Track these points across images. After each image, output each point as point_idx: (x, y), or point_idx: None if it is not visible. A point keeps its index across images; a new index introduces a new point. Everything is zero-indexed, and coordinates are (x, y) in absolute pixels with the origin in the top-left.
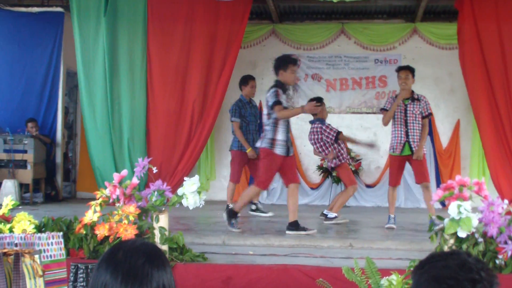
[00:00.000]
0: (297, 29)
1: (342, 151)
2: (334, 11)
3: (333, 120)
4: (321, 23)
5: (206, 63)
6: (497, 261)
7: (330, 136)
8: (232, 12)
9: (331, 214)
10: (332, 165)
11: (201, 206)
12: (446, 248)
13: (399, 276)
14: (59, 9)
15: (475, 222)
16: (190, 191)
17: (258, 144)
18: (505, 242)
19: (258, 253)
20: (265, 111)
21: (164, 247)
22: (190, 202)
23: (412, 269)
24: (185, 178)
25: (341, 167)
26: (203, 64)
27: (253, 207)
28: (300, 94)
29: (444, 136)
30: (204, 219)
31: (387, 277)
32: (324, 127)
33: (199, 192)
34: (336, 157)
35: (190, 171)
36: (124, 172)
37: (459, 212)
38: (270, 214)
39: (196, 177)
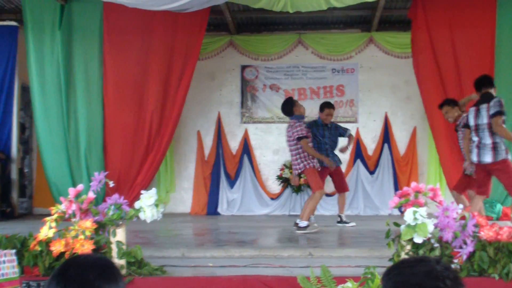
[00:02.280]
0: (255, 40)
1: (304, 158)
2: (291, 22)
3: None
4: (278, 34)
5: (164, 75)
6: (453, 265)
7: (296, 134)
8: (190, 23)
9: (302, 223)
10: (298, 171)
11: (159, 219)
12: (403, 254)
13: (354, 283)
14: (13, 22)
15: (430, 228)
16: (148, 204)
17: (490, 159)
18: (460, 247)
19: (218, 265)
20: (486, 119)
21: (122, 262)
22: (147, 215)
23: (367, 275)
24: (142, 191)
25: (307, 172)
26: (161, 76)
27: (338, 219)
28: (258, 105)
29: (401, 143)
30: (164, 232)
31: (342, 284)
32: (297, 123)
33: (156, 205)
34: (300, 162)
35: (150, 183)
36: (80, 186)
37: (415, 218)
38: (352, 223)
39: (154, 190)
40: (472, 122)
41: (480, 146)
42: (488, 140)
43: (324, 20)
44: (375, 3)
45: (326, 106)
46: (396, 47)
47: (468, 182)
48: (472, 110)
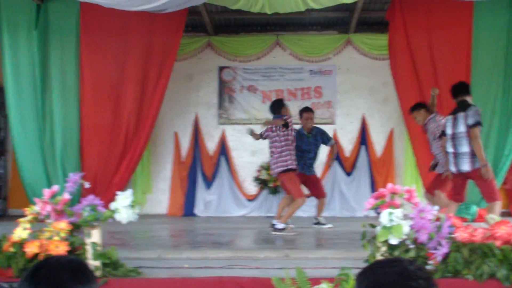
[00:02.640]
0: (233, 41)
1: (287, 157)
2: (269, 23)
3: None
4: (256, 35)
5: (141, 76)
6: (428, 267)
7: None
8: (167, 24)
9: (280, 225)
10: (274, 174)
11: (134, 220)
12: (378, 256)
13: (329, 284)
14: None
15: (406, 229)
16: (123, 205)
17: (468, 168)
18: (435, 248)
19: (193, 266)
20: (462, 128)
21: (97, 263)
22: (123, 216)
23: (341, 277)
24: (117, 192)
25: (285, 177)
26: (138, 77)
27: (315, 221)
28: (236, 106)
29: (378, 145)
30: (141, 233)
31: (317, 285)
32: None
33: (132, 206)
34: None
35: (126, 184)
36: (55, 187)
37: (391, 220)
38: (329, 225)
39: (130, 191)
40: (449, 131)
41: (457, 156)
42: (465, 149)
43: (302, 22)
44: (353, 5)
45: (304, 111)
46: (374, 48)
47: (442, 182)
48: (449, 119)
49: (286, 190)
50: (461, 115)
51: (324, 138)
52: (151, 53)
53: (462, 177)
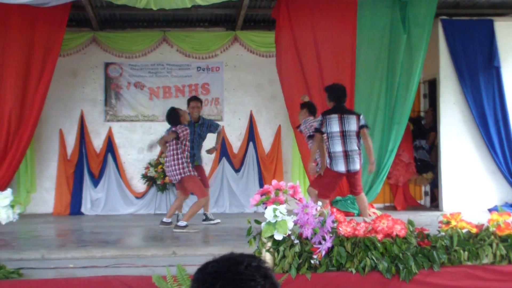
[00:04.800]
0: (119, 37)
1: (183, 165)
2: (155, 19)
3: (157, 128)
4: (142, 31)
5: (22, 72)
6: (312, 261)
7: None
8: (50, 19)
9: (182, 223)
10: (179, 176)
11: (15, 220)
12: (264, 251)
13: None
14: None
15: (290, 225)
16: (3, 205)
17: (358, 166)
18: (319, 242)
19: (79, 266)
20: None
21: None
22: (2, 217)
23: None
24: None
25: (186, 179)
26: (20, 73)
27: (203, 217)
28: (123, 103)
29: (266, 142)
30: (24, 234)
31: None
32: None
33: (12, 206)
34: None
35: (8, 183)
36: None
37: (275, 216)
38: (217, 221)
39: (9, 190)
40: (336, 128)
41: (348, 154)
42: (355, 147)
43: (189, 18)
44: (240, 2)
45: (191, 100)
46: (261, 46)
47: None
48: (333, 118)
49: (185, 191)
50: (352, 116)
51: (212, 128)
52: (33, 48)
53: (341, 176)
